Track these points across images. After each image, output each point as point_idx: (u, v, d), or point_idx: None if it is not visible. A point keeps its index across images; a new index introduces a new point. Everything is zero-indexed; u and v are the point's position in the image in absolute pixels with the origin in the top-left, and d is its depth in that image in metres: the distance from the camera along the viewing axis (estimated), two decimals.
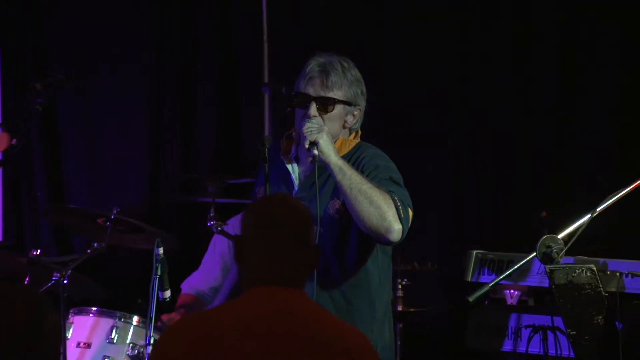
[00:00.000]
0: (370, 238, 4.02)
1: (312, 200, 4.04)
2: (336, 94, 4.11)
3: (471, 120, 6.21)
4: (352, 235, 4.06)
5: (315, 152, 3.98)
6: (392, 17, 6.30)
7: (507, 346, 4.66)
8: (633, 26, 5.95)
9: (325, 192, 4.10)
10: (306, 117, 4.06)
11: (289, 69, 4.43)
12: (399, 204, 3.98)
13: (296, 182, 4.19)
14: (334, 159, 3.97)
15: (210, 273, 5.16)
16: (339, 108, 4.12)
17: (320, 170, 4.07)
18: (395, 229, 3.94)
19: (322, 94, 4.09)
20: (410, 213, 4.00)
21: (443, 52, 6.28)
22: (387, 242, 4.00)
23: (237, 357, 2.91)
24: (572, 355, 4.26)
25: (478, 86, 6.23)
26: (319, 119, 4.07)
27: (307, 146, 3.99)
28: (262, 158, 4.08)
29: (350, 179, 3.96)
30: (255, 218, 3.09)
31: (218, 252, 5.19)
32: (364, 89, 4.16)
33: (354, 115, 4.15)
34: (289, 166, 4.19)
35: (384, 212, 3.95)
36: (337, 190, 4.05)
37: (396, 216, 3.96)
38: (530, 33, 6.20)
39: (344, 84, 4.12)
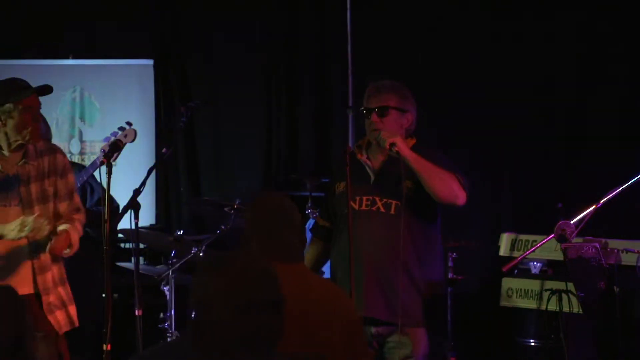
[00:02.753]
0: (444, 205, 4.12)
1: (387, 184, 4.13)
2: (389, 103, 4.15)
3: (505, 126, 6.11)
4: (423, 205, 4.10)
5: (396, 148, 4.03)
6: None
7: (532, 305, 4.62)
8: None
9: (398, 176, 4.13)
10: (371, 124, 4.13)
11: None
12: (460, 178, 4.08)
13: (371, 174, 4.21)
14: (409, 152, 4.05)
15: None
16: (393, 113, 4.15)
17: (386, 165, 4.16)
18: (461, 196, 4.07)
19: (380, 104, 4.14)
20: (467, 184, 4.10)
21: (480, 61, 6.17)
22: (457, 206, 4.10)
23: None
24: (580, 312, 4.23)
25: (508, 93, 6.11)
26: (382, 125, 4.12)
27: (388, 147, 4.04)
28: (345, 163, 4.11)
29: (424, 165, 4.04)
30: (253, 215, 3.08)
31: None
32: (413, 101, 4.20)
33: (407, 119, 4.19)
34: (365, 165, 4.23)
35: (451, 185, 4.06)
36: (402, 176, 4.10)
37: (460, 187, 4.07)
38: (550, 37, 6.03)
39: (394, 96, 4.17)
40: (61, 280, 4.30)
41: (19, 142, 4.16)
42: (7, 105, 4.13)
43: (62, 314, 4.28)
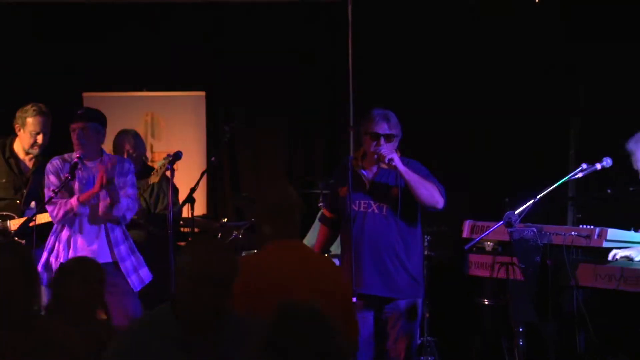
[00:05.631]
0: (425, 208, 4.13)
1: (380, 191, 4.12)
2: (392, 131, 4.14)
3: (468, 138, 6.07)
4: (408, 206, 4.13)
5: (394, 164, 4.04)
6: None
7: (486, 274, 4.61)
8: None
9: (387, 185, 4.17)
10: (378, 146, 4.11)
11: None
12: (440, 187, 4.10)
13: (366, 183, 4.21)
14: (403, 167, 4.06)
15: (315, 235, 5.23)
16: (394, 140, 4.16)
17: (379, 176, 4.18)
18: (440, 201, 4.10)
19: (388, 132, 4.12)
20: (444, 192, 4.12)
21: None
22: (437, 210, 4.12)
23: (271, 281, 2.79)
24: (522, 279, 4.25)
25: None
26: (384, 145, 4.12)
27: (387, 162, 4.05)
28: (348, 169, 4.15)
29: (413, 177, 4.06)
30: (263, 204, 3.01)
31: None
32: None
33: (398, 141, 4.20)
34: (361, 174, 4.22)
35: (433, 193, 4.08)
36: (392, 183, 4.13)
37: (440, 195, 4.09)
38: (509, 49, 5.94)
39: (395, 124, 4.16)
40: (131, 250, 4.42)
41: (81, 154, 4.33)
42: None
43: (136, 277, 4.40)
